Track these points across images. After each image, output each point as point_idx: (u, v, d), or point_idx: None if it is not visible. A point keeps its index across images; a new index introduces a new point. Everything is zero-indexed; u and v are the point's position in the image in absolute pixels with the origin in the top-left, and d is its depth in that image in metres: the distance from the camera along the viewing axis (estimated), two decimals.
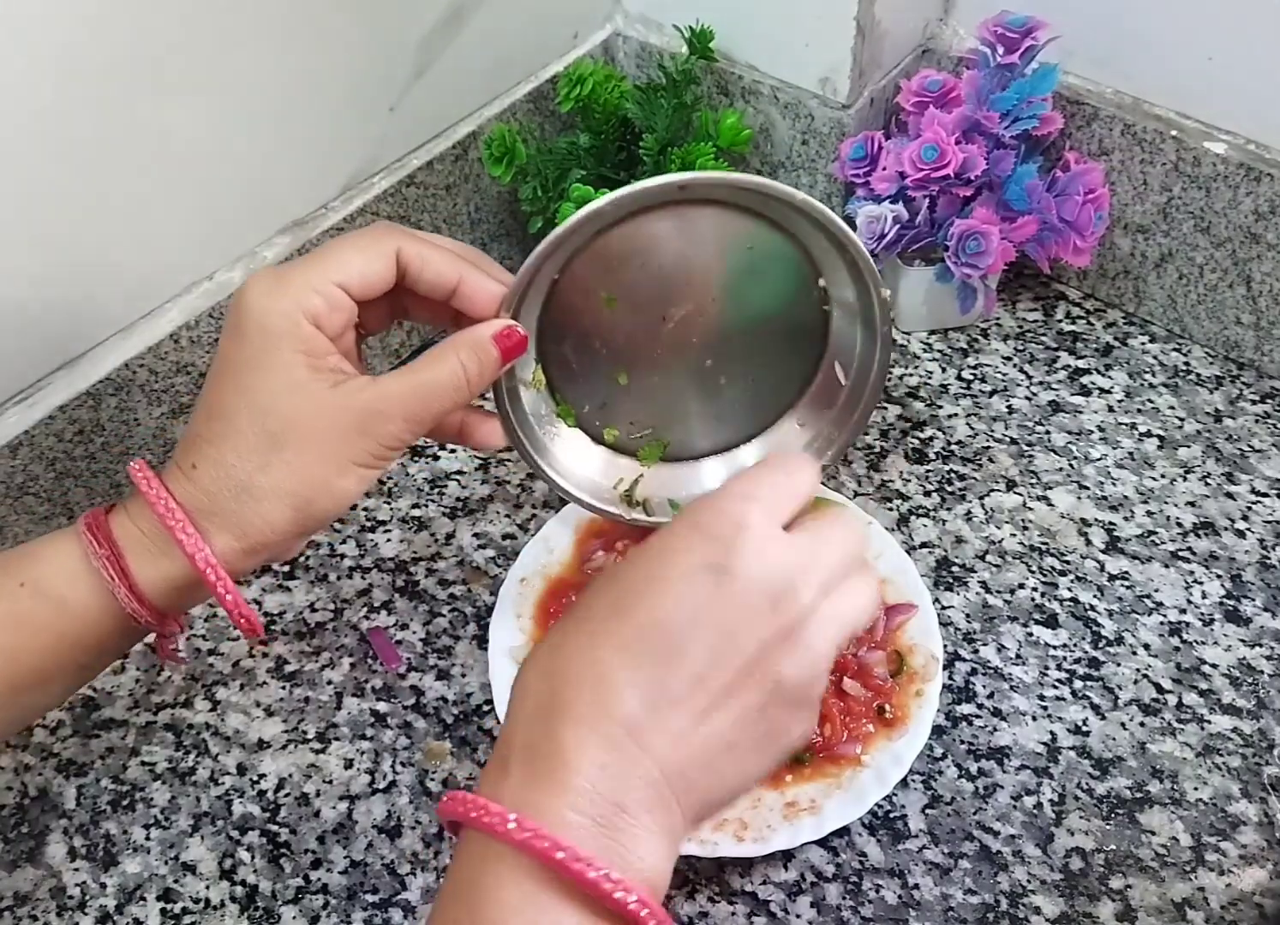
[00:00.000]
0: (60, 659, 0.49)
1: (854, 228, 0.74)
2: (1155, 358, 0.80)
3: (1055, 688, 0.64)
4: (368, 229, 0.50)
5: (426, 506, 0.74)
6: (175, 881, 0.59)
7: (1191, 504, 0.72)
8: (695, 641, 0.41)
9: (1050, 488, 0.73)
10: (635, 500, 0.60)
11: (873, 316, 0.54)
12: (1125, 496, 0.72)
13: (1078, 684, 0.64)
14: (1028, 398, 0.78)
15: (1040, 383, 0.79)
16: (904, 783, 0.60)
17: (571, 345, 0.56)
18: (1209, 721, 0.63)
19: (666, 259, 0.53)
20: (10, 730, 0.52)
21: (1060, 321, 0.82)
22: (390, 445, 0.48)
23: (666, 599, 0.41)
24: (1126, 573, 0.69)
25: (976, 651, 0.66)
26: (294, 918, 0.58)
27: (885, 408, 0.77)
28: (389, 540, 0.72)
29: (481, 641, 0.67)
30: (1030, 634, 0.66)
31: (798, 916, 0.57)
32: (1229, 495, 0.72)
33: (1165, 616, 0.67)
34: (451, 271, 0.49)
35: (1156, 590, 0.68)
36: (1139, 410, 0.77)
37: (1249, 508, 0.72)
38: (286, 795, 0.62)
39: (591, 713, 0.40)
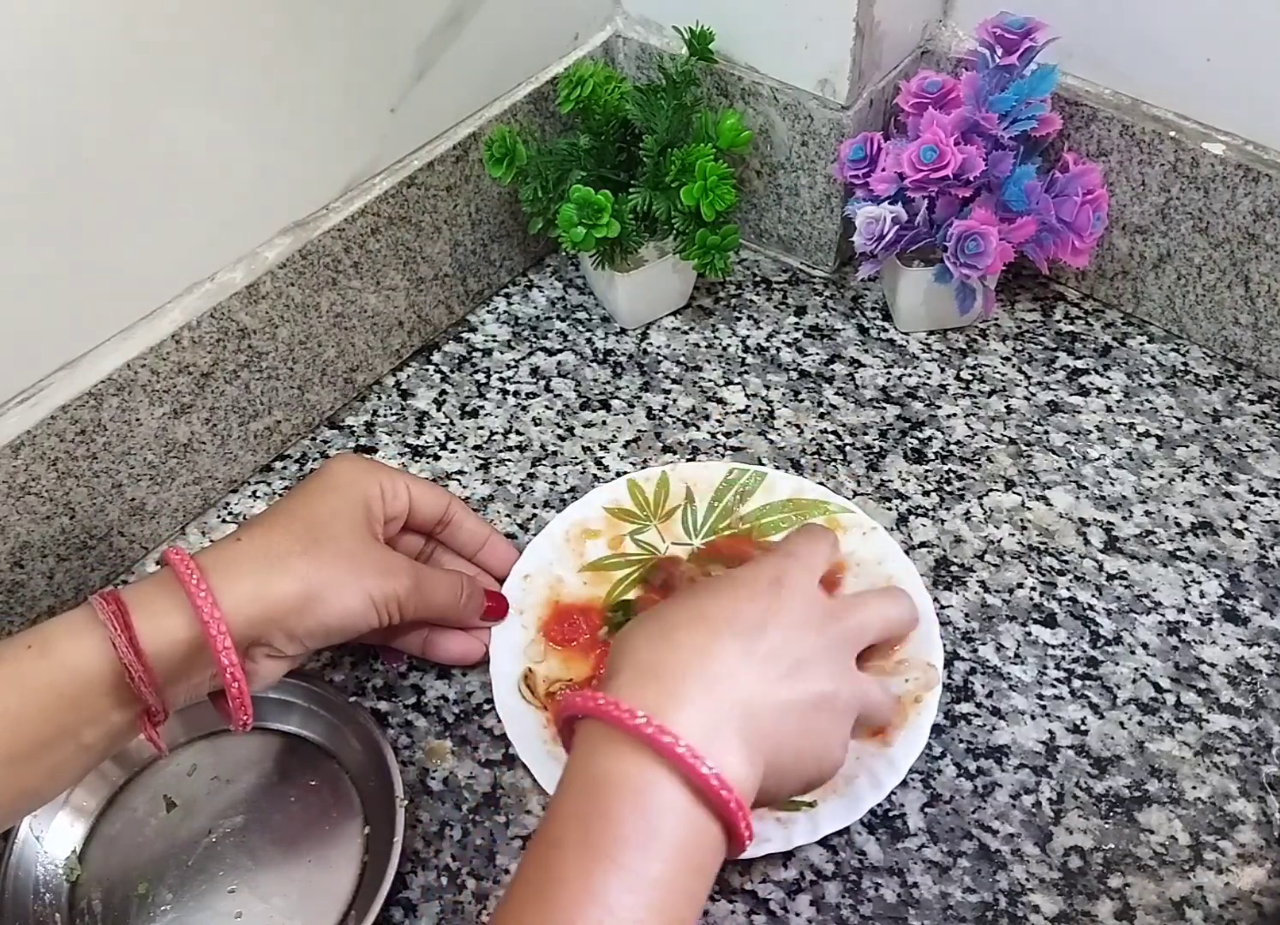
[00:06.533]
0: (60, 724, 0.50)
1: (854, 229, 0.75)
2: (1153, 358, 0.80)
3: (1054, 687, 0.64)
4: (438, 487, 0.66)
5: None
6: None
7: (1190, 504, 0.72)
8: (770, 627, 0.51)
9: (1049, 488, 0.73)
10: None
11: None
12: (1124, 496, 0.73)
13: (1076, 683, 0.64)
14: (1026, 398, 0.78)
15: (1039, 383, 0.79)
16: (903, 782, 0.60)
17: None
18: (1207, 721, 0.63)
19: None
20: (10, 815, 0.52)
21: (1059, 322, 0.83)
22: (391, 595, 0.57)
23: (749, 595, 0.53)
24: (1125, 572, 0.69)
25: (975, 651, 0.66)
26: None
27: (884, 408, 0.78)
28: None
29: None
30: (1029, 633, 0.67)
31: (797, 915, 0.57)
32: (1227, 495, 0.72)
33: (1163, 616, 0.67)
34: (481, 536, 0.67)
35: (1155, 590, 0.68)
36: (1137, 410, 0.77)
37: (1247, 507, 0.72)
38: None
39: (699, 645, 0.49)
